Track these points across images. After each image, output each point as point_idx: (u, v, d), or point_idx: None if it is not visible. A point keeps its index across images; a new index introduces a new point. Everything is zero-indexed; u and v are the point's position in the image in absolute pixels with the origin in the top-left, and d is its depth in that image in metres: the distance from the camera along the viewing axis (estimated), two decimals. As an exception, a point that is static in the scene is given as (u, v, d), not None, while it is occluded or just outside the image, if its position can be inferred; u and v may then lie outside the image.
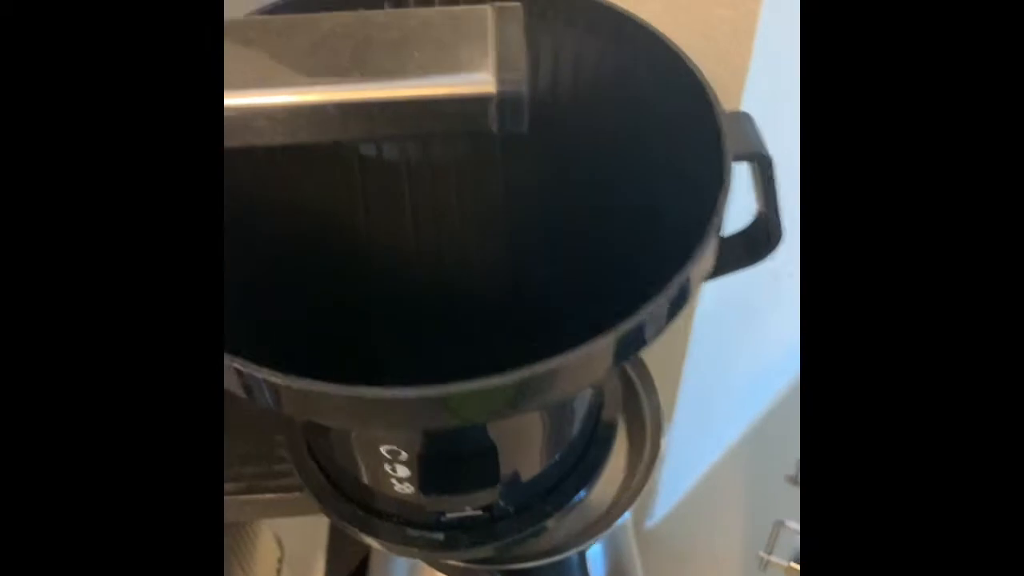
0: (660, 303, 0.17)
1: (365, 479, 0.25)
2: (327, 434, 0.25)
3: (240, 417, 0.27)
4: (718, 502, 0.57)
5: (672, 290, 0.17)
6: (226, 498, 0.26)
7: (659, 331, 0.18)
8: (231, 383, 0.18)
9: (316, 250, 0.24)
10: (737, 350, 0.51)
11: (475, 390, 0.16)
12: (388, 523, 0.25)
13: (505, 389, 0.16)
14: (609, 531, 0.29)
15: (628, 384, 0.32)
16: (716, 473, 0.58)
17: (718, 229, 0.19)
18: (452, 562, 0.28)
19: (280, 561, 0.47)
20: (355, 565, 0.49)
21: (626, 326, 0.17)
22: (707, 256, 0.19)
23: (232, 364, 0.17)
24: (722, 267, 0.22)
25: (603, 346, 0.16)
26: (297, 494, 0.26)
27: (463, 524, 0.25)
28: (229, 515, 0.28)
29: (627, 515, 0.30)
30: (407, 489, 0.23)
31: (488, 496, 0.24)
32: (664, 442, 0.31)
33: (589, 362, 0.17)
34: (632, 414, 0.32)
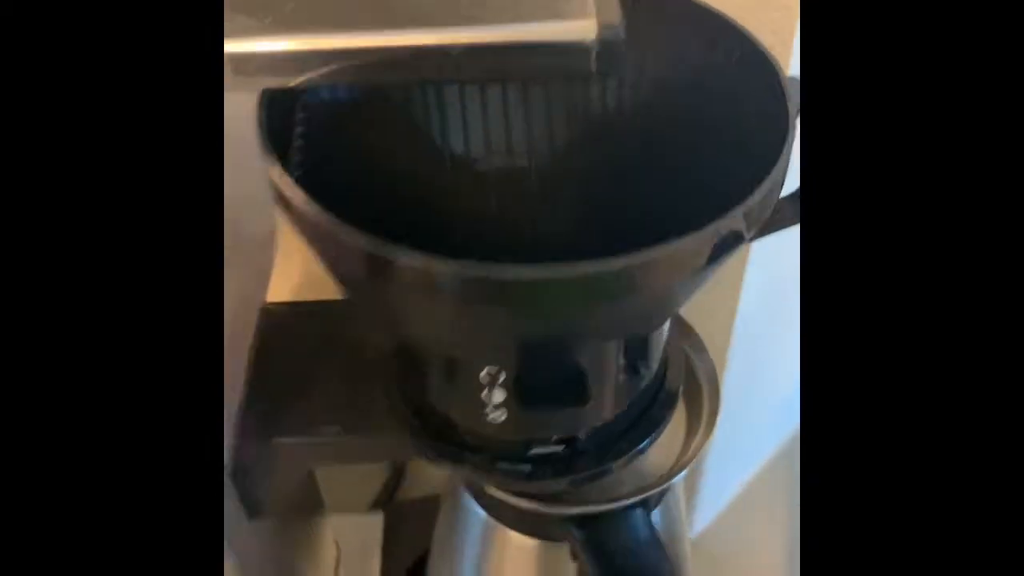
0: (751, 203, 0.20)
1: (457, 417, 0.27)
2: (423, 375, 0.27)
3: (333, 366, 0.30)
4: (759, 513, 0.58)
5: (759, 196, 0.20)
6: (323, 442, 0.28)
7: (753, 225, 0.20)
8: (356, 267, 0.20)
9: (396, 184, 0.26)
10: (773, 359, 0.53)
11: (584, 274, 0.19)
12: (477, 456, 0.27)
13: (610, 275, 0.19)
14: (668, 485, 0.31)
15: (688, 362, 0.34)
16: (756, 484, 0.59)
17: (787, 160, 0.22)
18: (530, 505, 0.30)
19: (337, 561, 0.48)
20: (410, 564, 0.50)
21: (724, 221, 0.19)
22: (780, 175, 0.21)
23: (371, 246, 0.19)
24: (773, 223, 0.25)
25: (704, 238, 0.19)
26: (389, 437, 0.28)
27: (546, 458, 0.27)
28: (327, 460, 0.30)
29: (683, 474, 0.32)
30: (500, 417, 0.25)
31: (574, 424, 0.26)
32: (721, 405, 0.33)
33: (689, 255, 0.19)
34: (691, 392, 0.34)
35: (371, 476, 0.58)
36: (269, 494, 0.30)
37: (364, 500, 0.56)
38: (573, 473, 0.27)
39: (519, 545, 0.33)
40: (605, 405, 0.26)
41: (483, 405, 0.25)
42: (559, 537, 0.32)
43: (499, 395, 0.25)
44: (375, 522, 0.51)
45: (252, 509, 0.30)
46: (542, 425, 0.26)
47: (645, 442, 0.29)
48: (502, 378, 0.24)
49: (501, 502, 0.32)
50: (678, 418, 0.34)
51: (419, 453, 0.28)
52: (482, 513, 0.34)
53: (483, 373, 0.24)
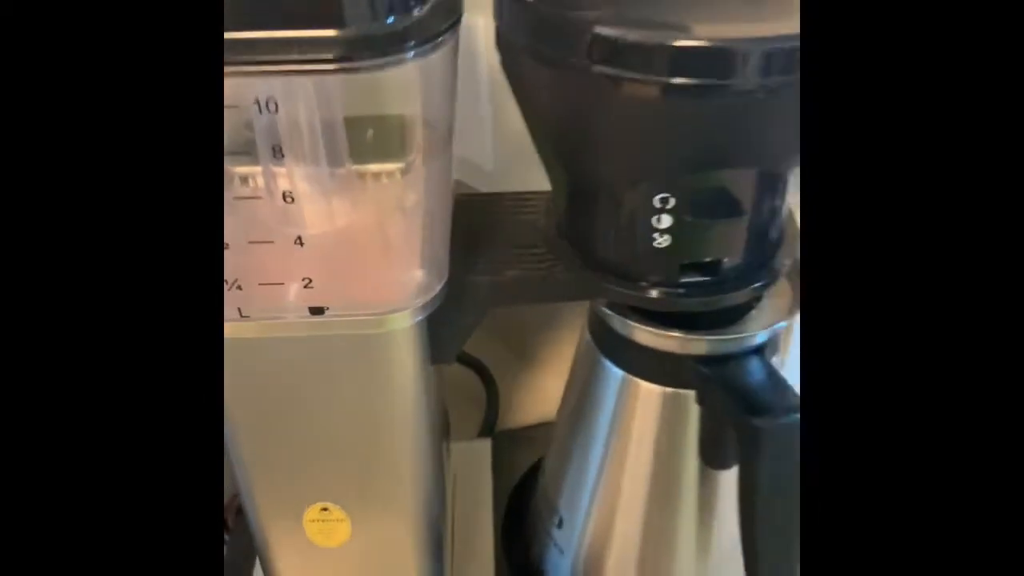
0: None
1: (622, 251, 0.33)
2: (591, 220, 0.34)
3: (507, 216, 0.37)
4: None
5: None
6: (495, 280, 0.35)
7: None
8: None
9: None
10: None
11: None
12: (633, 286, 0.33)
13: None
14: (783, 325, 0.37)
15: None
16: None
17: None
18: (667, 346, 0.36)
19: (455, 486, 0.54)
20: (516, 484, 0.55)
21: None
22: None
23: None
24: None
25: None
26: (561, 275, 0.35)
27: (696, 284, 0.33)
28: (507, 299, 0.36)
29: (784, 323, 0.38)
30: (665, 242, 0.32)
31: (722, 245, 0.32)
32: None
33: None
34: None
35: (474, 406, 0.64)
36: (452, 340, 0.36)
37: (473, 429, 0.62)
38: (720, 293, 0.33)
39: (648, 394, 0.39)
40: (745, 236, 0.33)
41: (652, 230, 0.32)
42: (687, 384, 0.38)
43: (667, 219, 0.31)
44: (485, 446, 0.57)
45: (438, 355, 0.36)
46: (697, 246, 0.32)
47: (770, 279, 0.35)
48: (671, 204, 0.31)
49: (634, 354, 0.38)
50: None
51: (592, 290, 0.34)
52: (614, 368, 0.40)
53: (657, 198, 0.31)
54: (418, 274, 0.32)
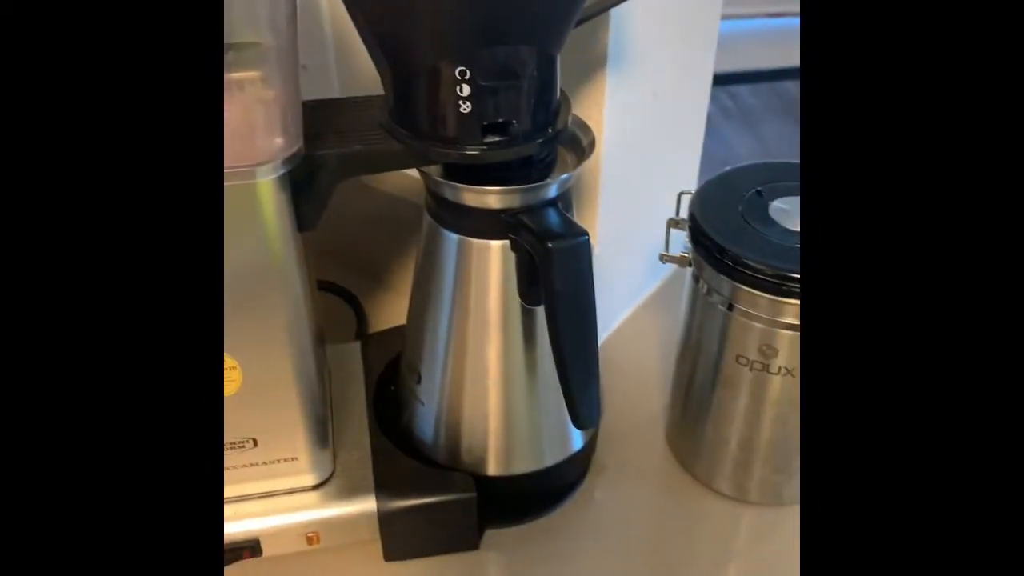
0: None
1: (436, 122, 0.44)
2: (410, 102, 0.44)
3: (350, 113, 0.46)
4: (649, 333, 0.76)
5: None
6: (342, 152, 0.45)
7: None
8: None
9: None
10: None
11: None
12: (450, 146, 0.44)
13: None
14: (572, 175, 0.49)
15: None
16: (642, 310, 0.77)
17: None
18: (487, 205, 0.47)
19: (330, 385, 0.62)
20: (382, 370, 0.64)
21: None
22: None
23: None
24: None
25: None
26: (393, 147, 0.45)
27: (496, 143, 0.44)
28: (345, 172, 0.46)
29: (574, 174, 0.49)
30: (467, 108, 0.42)
31: (512, 107, 0.43)
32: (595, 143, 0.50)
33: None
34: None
35: (344, 329, 0.73)
36: (317, 204, 0.45)
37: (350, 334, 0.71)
38: (513, 147, 0.44)
39: (479, 249, 0.50)
40: (527, 101, 0.44)
41: (457, 98, 0.42)
42: (505, 235, 0.49)
43: (467, 88, 0.42)
44: (355, 348, 0.66)
45: (307, 220, 0.45)
46: (491, 109, 0.43)
47: (550, 136, 0.46)
48: (468, 75, 0.42)
49: (464, 217, 0.49)
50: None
51: (418, 155, 0.45)
52: (451, 234, 0.50)
53: (456, 71, 0.41)
54: (278, 140, 0.41)
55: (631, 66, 0.60)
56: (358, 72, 0.73)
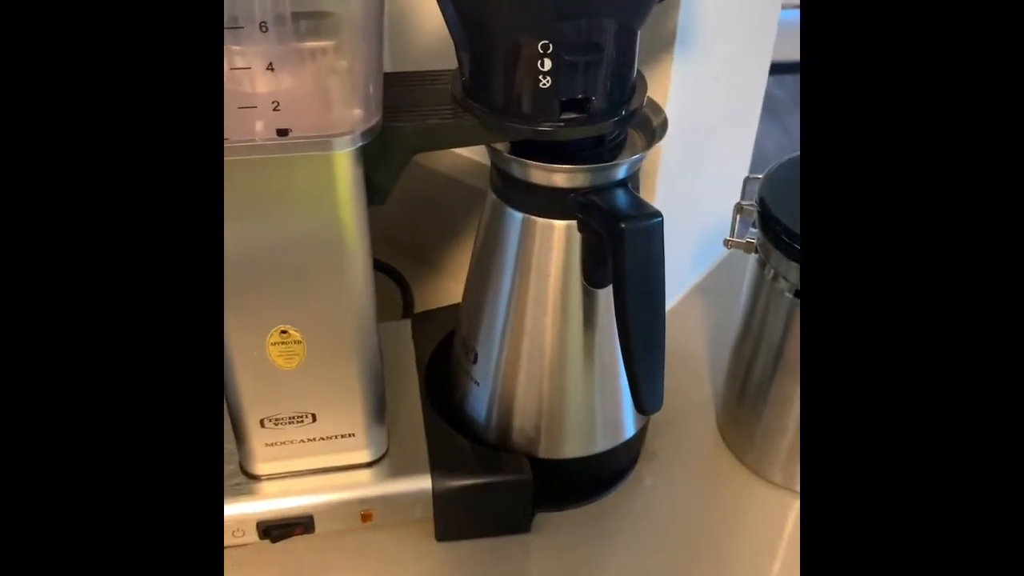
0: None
1: (513, 99, 0.43)
2: (488, 77, 0.43)
3: (422, 87, 0.46)
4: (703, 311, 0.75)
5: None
6: (417, 125, 0.44)
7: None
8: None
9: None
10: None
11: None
12: (524, 123, 0.43)
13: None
14: (642, 156, 0.48)
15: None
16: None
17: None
18: (556, 183, 0.46)
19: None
20: (433, 351, 0.64)
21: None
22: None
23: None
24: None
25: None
26: (470, 122, 0.44)
27: (573, 120, 0.43)
28: (418, 146, 0.45)
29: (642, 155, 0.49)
30: (547, 83, 0.41)
31: (592, 83, 0.42)
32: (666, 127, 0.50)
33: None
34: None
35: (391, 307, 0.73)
36: (388, 178, 0.45)
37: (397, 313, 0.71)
38: (589, 124, 0.43)
39: (543, 228, 0.49)
40: (606, 78, 0.43)
41: (537, 73, 0.41)
42: (572, 215, 0.48)
43: (548, 63, 0.41)
44: (405, 326, 0.66)
45: (377, 194, 0.45)
46: (571, 84, 0.42)
47: (626, 115, 0.46)
48: (550, 49, 0.41)
49: (530, 195, 0.48)
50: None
51: (493, 130, 0.44)
52: (515, 212, 0.49)
53: (539, 44, 0.41)
54: (357, 111, 0.40)
55: (697, 46, 0.59)
56: (410, 46, 0.72)
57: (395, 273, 0.76)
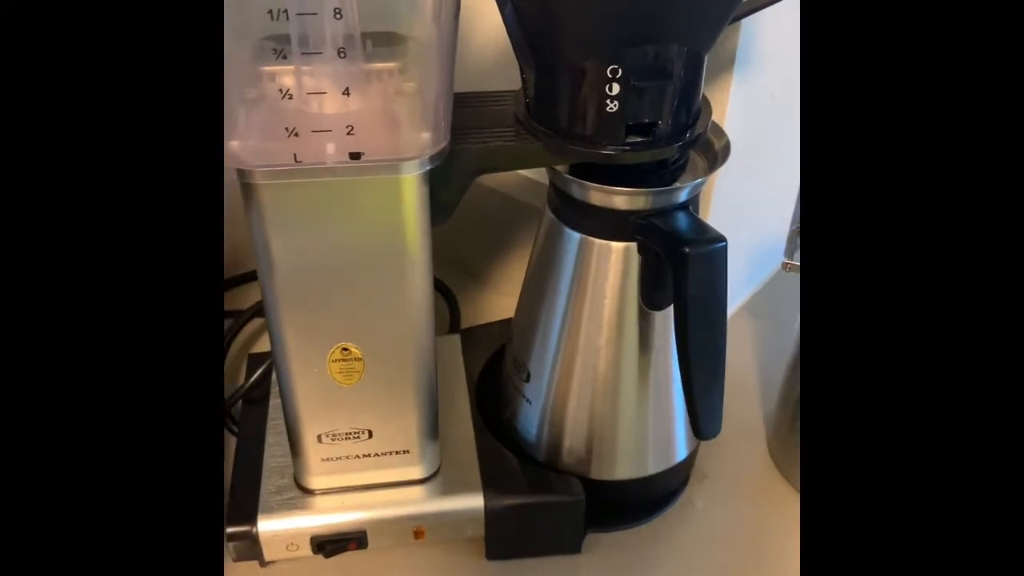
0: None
1: (577, 122, 0.43)
2: (553, 100, 0.43)
3: (485, 108, 0.46)
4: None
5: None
6: (490, 148, 0.44)
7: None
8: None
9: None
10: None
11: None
12: (589, 146, 0.43)
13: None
14: (703, 180, 0.48)
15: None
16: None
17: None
18: (615, 205, 0.46)
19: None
20: (482, 367, 0.64)
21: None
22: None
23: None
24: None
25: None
26: (534, 145, 0.44)
27: (637, 143, 0.43)
28: (482, 168, 0.45)
29: (704, 179, 0.48)
30: (615, 107, 0.41)
31: (658, 107, 0.42)
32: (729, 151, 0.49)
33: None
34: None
35: (439, 320, 0.73)
36: (452, 197, 0.45)
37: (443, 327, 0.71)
38: (655, 148, 0.43)
39: (601, 250, 0.49)
40: (672, 103, 0.43)
41: (605, 97, 0.41)
42: (632, 237, 0.48)
43: (616, 87, 0.41)
44: (455, 340, 0.66)
45: (440, 213, 0.45)
46: (638, 109, 0.42)
47: (691, 139, 0.45)
48: (619, 74, 0.41)
49: (589, 216, 0.48)
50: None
51: (557, 152, 0.44)
52: (573, 232, 0.49)
53: (608, 69, 0.41)
54: (425, 135, 0.41)
55: (754, 68, 0.59)
56: (466, 64, 0.72)
57: (443, 287, 0.76)
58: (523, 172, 0.72)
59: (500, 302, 0.78)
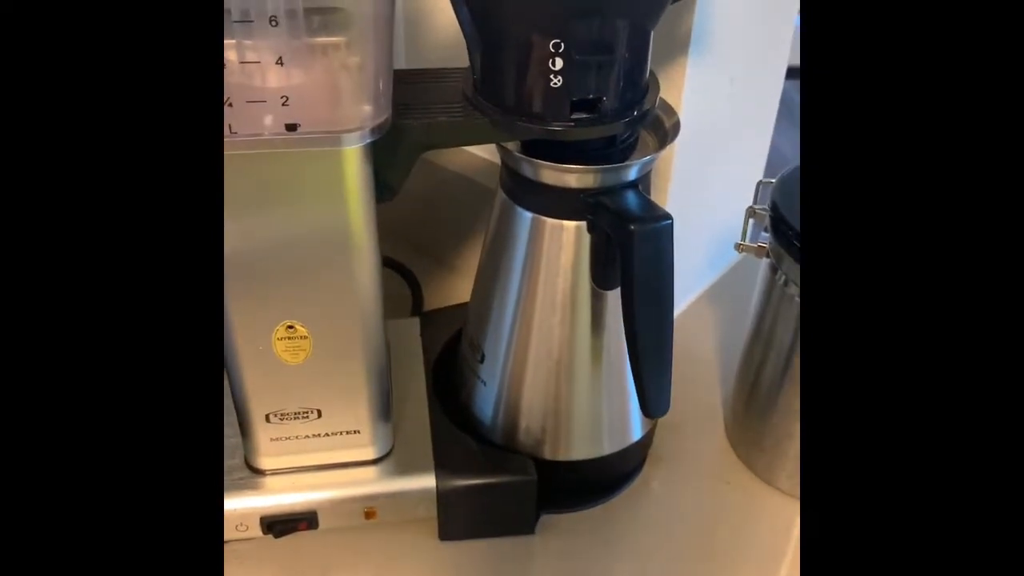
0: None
1: (523, 98, 0.43)
2: (500, 76, 0.43)
3: (433, 84, 0.45)
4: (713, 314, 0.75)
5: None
6: (427, 123, 0.44)
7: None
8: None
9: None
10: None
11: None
12: (534, 122, 0.43)
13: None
14: (654, 157, 0.47)
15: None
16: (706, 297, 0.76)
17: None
18: (567, 183, 0.46)
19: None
20: (440, 349, 0.64)
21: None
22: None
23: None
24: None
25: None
26: (480, 120, 0.44)
27: (582, 120, 0.43)
28: (428, 144, 0.45)
29: (654, 157, 0.48)
30: (558, 82, 0.41)
31: (603, 82, 0.42)
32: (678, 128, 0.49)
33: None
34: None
35: (401, 304, 0.73)
36: (398, 175, 0.45)
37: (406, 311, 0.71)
38: (600, 124, 0.43)
39: (552, 228, 0.49)
40: (618, 78, 0.43)
41: (549, 72, 0.41)
42: (581, 215, 0.48)
43: (559, 62, 0.41)
44: (414, 324, 0.66)
45: (385, 192, 0.45)
46: (583, 84, 0.42)
47: (637, 115, 0.45)
48: (562, 48, 0.41)
49: (540, 195, 0.48)
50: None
51: (503, 129, 0.44)
52: (525, 212, 0.49)
53: (551, 43, 0.40)
54: (367, 107, 0.40)
55: (712, 50, 0.59)
56: (425, 45, 0.72)
57: (405, 271, 0.76)
58: (488, 156, 0.72)
59: (465, 286, 0.77)
